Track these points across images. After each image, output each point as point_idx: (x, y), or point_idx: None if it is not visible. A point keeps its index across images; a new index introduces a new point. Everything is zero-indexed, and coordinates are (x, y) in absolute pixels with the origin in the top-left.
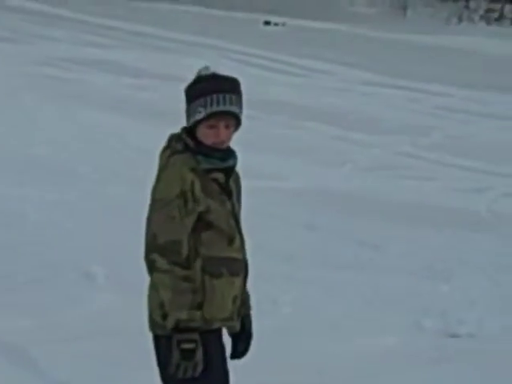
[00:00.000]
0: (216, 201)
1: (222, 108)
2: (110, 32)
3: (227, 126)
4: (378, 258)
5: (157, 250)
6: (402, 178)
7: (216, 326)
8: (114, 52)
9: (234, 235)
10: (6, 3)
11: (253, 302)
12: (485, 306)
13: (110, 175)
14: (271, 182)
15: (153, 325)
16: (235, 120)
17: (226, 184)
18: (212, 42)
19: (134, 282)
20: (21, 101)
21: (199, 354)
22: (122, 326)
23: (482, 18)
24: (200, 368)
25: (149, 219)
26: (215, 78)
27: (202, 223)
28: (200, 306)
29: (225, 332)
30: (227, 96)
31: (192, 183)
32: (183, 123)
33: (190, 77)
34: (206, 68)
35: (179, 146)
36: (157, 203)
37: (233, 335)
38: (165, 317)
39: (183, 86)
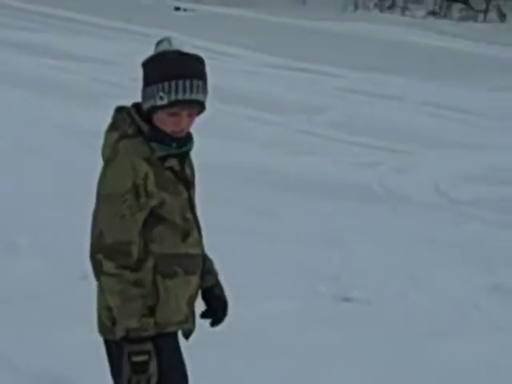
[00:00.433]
0: (171, 193)
1: (187, 97)
2: (30, 15)
3: (190, 115)
4: (275, 226)
5: (103, 250)
6: (299, 154)
7: (170, 329)
8: (34, 35)
9: (189, 229)
10: None
11: None
12: (375, 273)
13: (27, 149)
14: None
15: (102, 328)
16: (200, 107)
17: (182, 171)
18: (127, 26)
19: (56, 250)
20: None
21: (153, 366)
22: (45, 290)
23: (375, 5)
24: (154, 380)
25: (95, 215)
26: (181, 56)
27: (154, 218)
28: (152, 312)
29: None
30: (194, 82)
31: (145, 175)
32: (99, 103)
33: (108, 58)
34: (168, 40)
35: (130, 130)
36: (104, 198)
37: (208, 304)
38: (114, 323)
39: (99, 67)
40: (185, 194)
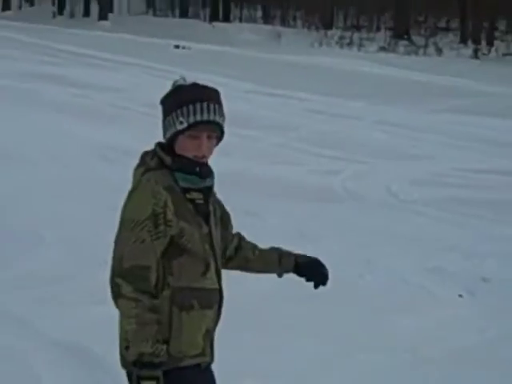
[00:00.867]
0: (190, 223)
1: (206, 117)
2: (57, 53)
3: (209, 138)
4: (258, 224)
5: (122, 274)
6: (277, 164)
7: (186, 363)
8: (60, 68)
9: (208, 261)
10: None
11: None
12: (339, 258)
13: (56, 158)
14: None
15: (123, 361)
16: (219, 132)
17: (205, 205)
18: (135, 60)
19: (78, 240)
20: None
21: None
22: (70, 274)
23: (336, 43)
24: None
25: (116, 240)
26: (196, 86)
27: (174, 248)
28: (166, 340)
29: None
30: (211, 105)
31: (165, 203)
32: (116, 124)
33: (122, 86)
34: (183, 78)
35: (153, 164)
36: (126, 223)
37: (308, 276)
38: (127, 347)
39: (114, 94)
40: (205, 228)
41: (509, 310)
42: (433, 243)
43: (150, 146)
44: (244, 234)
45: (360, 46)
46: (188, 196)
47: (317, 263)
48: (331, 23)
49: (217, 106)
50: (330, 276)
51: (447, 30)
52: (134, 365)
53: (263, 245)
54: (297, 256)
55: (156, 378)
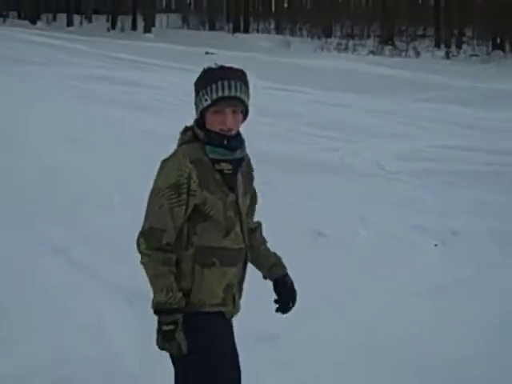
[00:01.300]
0: (215, 193)
1: (227, 93)
2: (111, 59)
3: (234, 112)
4: (272, 190)
5: (143, 233)
6: (287, 143)
7: (206, 309)
8: (114, 71)
9: (231, 227)
10: (45, 41)
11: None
12: (338, 217)
13: (118, 143)
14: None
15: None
16: (242, 107)
17: (233, 175)
18: (173, 65)
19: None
20: (62, 103)
21: (179, 336)
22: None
23: (334, 48)
24: (184, 348)
25: (147, 205)
26: (222, 68)
27: (198, 215)
28: (188, 290)
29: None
30: (233, 82)
31: (189, 175)
32: (159, 114)
33: (163, 85)
34: (215, 63)
35: (186, 137)
36: (153, 192)
37: (278, 294)
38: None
39: (156, 91)
40: (231, 196)
41: (472, 255)
42: (413, 205)
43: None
44: (262, 198)
45: (354, 50)
46: (217, 167)
47: (293, 295)
48: (330, 33)
49: (239, 84)
50: (332, 230)
51: (424, 36)
52: (155, 313)
53: (275, 209)
54: (286, 275)
55: (173, 323)
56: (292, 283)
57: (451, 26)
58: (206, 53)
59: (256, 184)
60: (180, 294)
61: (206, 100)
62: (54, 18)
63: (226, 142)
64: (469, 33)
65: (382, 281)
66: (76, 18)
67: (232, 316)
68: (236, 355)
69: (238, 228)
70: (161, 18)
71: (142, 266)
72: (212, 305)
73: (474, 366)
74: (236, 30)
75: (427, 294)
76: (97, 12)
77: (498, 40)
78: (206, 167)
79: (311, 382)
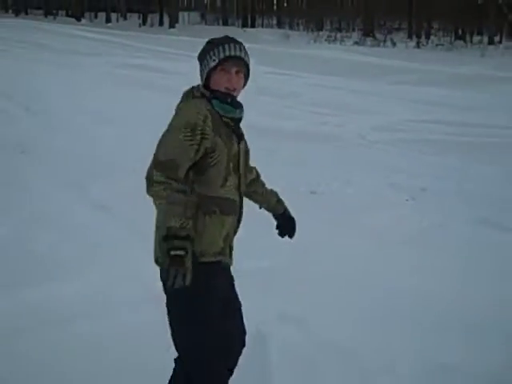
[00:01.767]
0: (224, 140)
1: (233, 53)
2: (142, 50)
3: (238, 73)
4: (274, 156)
5: (156, 165)
6: (284, 119)
7: (207, 259)
8: (146, 60)
9: (228, 177)
10: (84, 35)
11: None
12: (327, 178)
13: (144, 117)
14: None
15: (155, 256)
16: (245, 69)
17: (237, 128)
18: (194, 54)
19: None
20: (105, 87)
21: (188, 263)
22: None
23: (325, 40)
24: (189, 278)
25: (159, 142)
26: (227, 36)
27: (203, 162)
28: (193, 216)
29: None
30: (238, 45)
31: (205, 118)
32: (180, 94)
33: (183, 71)
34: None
35: (197, 93)
36: (170, 128)
37: (282, 224)
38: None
39: (180, 76)
40: (236, 148)
41: (438, 208)
42: (389, 167)
43: None
44: (263, 161)
45: (341, 41)
46: (224, 119)
47: (294, 223)
48: (322, 27)
49: (243, 47)
50: (322, 189)
51: (399, 29)
52: (164, 240)
53: (273, 172)
54: (286, 208)
55: (184, 248)
56: (291, 216)
57: (421, 20)
58: None
59: (256, 151)
60: (191, 222)
61: (213, 60)
62: (96, 16)
63: (230, 99)
64: (436, 26)
65: (365, 228)
66: (113, 16)
67: (228, 266)
68: (236, 304)
69: (235, 180)
70: (183, 16)
71: (151, 198)
72: (212, 254)
73: (443, 299)
74: (244, 25)
75: (400, 241)
76: (130, 10)
77: (460, 32)
78: (217, 117)
79: (296, 310)
